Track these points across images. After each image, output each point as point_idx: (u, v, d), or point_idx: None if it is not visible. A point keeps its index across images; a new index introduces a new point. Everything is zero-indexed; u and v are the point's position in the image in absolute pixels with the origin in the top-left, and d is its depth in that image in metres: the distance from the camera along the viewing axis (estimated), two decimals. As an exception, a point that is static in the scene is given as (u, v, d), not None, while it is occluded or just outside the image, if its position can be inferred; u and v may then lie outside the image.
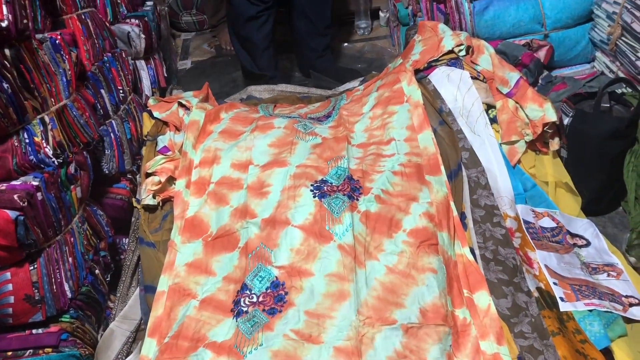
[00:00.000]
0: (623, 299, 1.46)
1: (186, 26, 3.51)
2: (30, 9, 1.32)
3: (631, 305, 1.45)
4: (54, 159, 1.31)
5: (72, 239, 1.36)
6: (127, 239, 1.68)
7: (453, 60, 1.95)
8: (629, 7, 1.86)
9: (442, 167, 1.63)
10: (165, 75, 2.39)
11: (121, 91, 1.82)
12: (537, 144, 1.81)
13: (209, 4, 3.32)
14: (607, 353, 1.35)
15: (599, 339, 1.35)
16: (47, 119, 1.32)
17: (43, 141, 1.29)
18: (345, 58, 3.06)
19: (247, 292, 1.36)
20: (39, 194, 1.24)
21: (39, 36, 1.36)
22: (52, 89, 1.37)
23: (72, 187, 1.38)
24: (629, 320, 1.42)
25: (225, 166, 1.70)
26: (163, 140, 1.84)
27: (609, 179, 1.73)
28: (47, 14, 1.45)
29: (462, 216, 1.58)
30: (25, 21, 1.27)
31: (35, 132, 1.28)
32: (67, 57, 1.41)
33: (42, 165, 1.30)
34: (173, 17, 3.42)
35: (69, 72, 1.42)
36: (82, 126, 1.44)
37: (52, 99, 1.37)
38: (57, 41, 1.39)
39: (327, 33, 2.72)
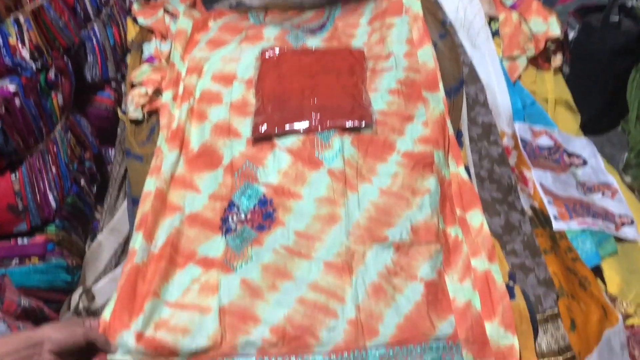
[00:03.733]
0: (616, 218, 1.46)
1: None
2: None
3: (624, 224, 1.44)
4: (31, 63, 1.23)
5: (55, 148, 1.31)
6: (113, 150, 1.63)
7: (455, -32, 1.84)
8: None
9: (441, 84, 1.57)
10: (150, -22, 2.24)
11: (103, -7, 1.71)
12: (539, 60, 1.74)
13: None
14: (597, 271, 1.36)
15: (590, 257, 1.35)
16: (21, 19, 1.23)
17: (19, 43, 1.21)
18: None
19: (235, 210, 1.34)
20: (16, 100, 1.17)
21: None
22: (26, -13, 1.27)
23: (52, 93, 1.31)
24: (620, 240, 1.42)
25: (207, 79, 1.63)
26: (149, 49, 1.74)
27: (611, 96, 1.69)
28: None
29: (459, 134, 1.54)
30: None
31: (10, 32, 1.20)
32: (41, -49, 1.31)
33: (19, 69, 1.22)
34: None
35: (44, -31, 1.32)
36: (61, 29, 1.35)
37: (27, -2, 1.28)
38: None
39: None
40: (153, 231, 1.30)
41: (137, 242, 1.27)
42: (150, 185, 1.39)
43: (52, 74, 1.30)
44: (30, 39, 1.23)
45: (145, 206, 1.34)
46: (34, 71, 1.24)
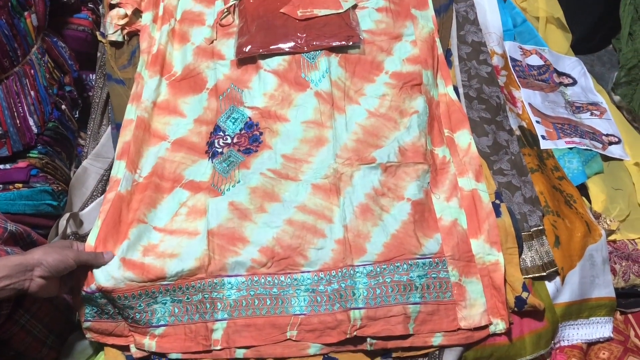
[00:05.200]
0: (603, 137, 1.46)
1: None
2: None
3: (611, 143, 1.45)
4: (0, -20, 1.17)
5: (32, 71, 1.26)
6: (94, 75, 1.58)
7: None
8: None
9: (430, 1, 1.53)
10: None
11: None
12: (531, -24, 1.69)
13: None
14: (583, 188, 1.37)
15: (576, 175, 1.36)
16: None
17: (-15, -42, 1.14)
18: None
19: (221, 133, 1.32)
20: (-13, 19, 1.12)
21: None
22: None
23: (26, 13, 1.25)
24: (606, 158, 1.43)
25: None
26: (126, -34, 1.66)
27: (603, 13, 1.65)
28: None
29: (448, 53, 1.51)
30: None
31: (-25, -53, 1.13)
32: None
33: (-12, -13, 1.16)
34: None
35: None
36: (30, -57, 1.28)
37: None
38: None
39: None
40: (136, 160, 1.29)
41: (120, 171, 1.26)
42: (131, 113, 1.36)
43: (23, -7, 1.24)
44: (-3, -46, 1.17)
45: (126, 135, 1.32)
46: (4, -11, 1.18)
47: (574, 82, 1.58)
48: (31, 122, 1.25)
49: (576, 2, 1.66)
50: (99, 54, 1.60)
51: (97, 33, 1.59)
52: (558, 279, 1.20)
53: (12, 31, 1.20)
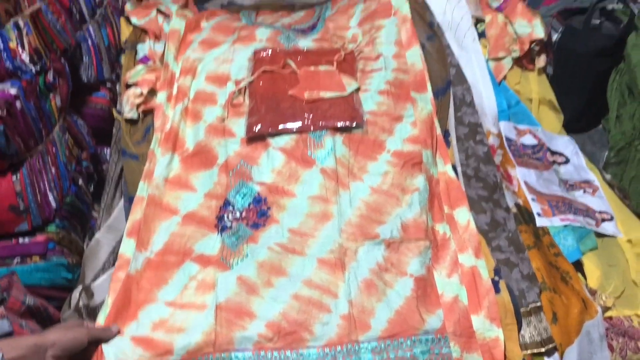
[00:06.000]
0: (597, 214, 1.51)
1: None
2: None
3: (603, 220, 1.50)
4: (31, 66, 1.26)
5: (54, 149, 1.34)
6: (109, 150, 1.66)
7: (443, -29, 1.88)
8: None
9: (429, 85, 1.61)
10: (142, -22, 2.25)
11: (97, -6, 1.73)
12: (523, 61, 1.79)
13: None
14: (578, 265, 1.41)
15: (571, 252, 1.41)
16: (21, 23, 1.26)
17: (19, 47, 1.23)
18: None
19: (230, 208, 1.37)
20: (17, 103, 1.20)
21: None
22: (24, -9, 1.30)
23: (51, 95, 1.34)
24: (600, 235, 1.48)
25: (201, 80, 1.66)
26: (143, 49, 1.77)
27: (592, 96, 1.74)
28: None
29: (446, 134, 1.59)
30: None
31: (10, 37, 1.22)
32: (38, -44, 1.33)
33: (19, 73, 1.25)
34: None
35: (42, -27, 1.34)
36: (58, 31, 1.38)
37: (26, 2, 1.30)
38: (27, -62, 1.30)
39: None
40: (146, 238, 1.33)
41: (129, 249, 1.30)
42: (143, 191, 1.42)
43: (50, 76, 1.32)
44: (29, 43, 1.25)
45: (137, 213, 1.37)
46: (34, 74, 1.26)
47: (567, 161, 1.65)
48: (50, 198, 1.31)
49: (566, 85, 1.75)
50: (114, 130, 1.67)
51: (114, 110, 1.68)
52: (557, 354, 1.23)
53: (39, 113, 1.28)
